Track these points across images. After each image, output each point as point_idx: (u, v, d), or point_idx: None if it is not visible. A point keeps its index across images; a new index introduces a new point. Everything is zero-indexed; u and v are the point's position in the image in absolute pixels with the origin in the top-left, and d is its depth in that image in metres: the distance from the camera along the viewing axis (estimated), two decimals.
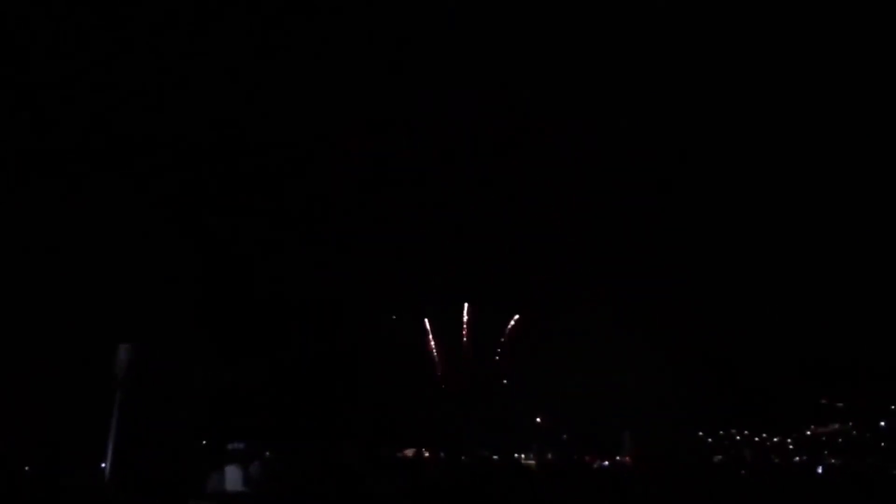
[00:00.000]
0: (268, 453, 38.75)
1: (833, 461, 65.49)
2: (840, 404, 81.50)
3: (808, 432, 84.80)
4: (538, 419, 72.51)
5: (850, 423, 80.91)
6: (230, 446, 36.56)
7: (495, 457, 55.87)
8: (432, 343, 75.43)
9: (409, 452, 50.69)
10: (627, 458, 72.57)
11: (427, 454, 50.96)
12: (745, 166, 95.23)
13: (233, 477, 22.58)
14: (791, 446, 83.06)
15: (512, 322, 75.17)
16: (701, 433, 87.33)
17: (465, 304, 79.66)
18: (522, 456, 65.70)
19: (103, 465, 18.74)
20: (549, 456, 68.62)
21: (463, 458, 47.39)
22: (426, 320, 73.25)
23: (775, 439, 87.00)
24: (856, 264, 79.12)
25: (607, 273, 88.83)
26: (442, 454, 49.98)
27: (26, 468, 24.81)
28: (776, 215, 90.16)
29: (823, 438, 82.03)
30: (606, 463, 68.11)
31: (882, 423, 74.00)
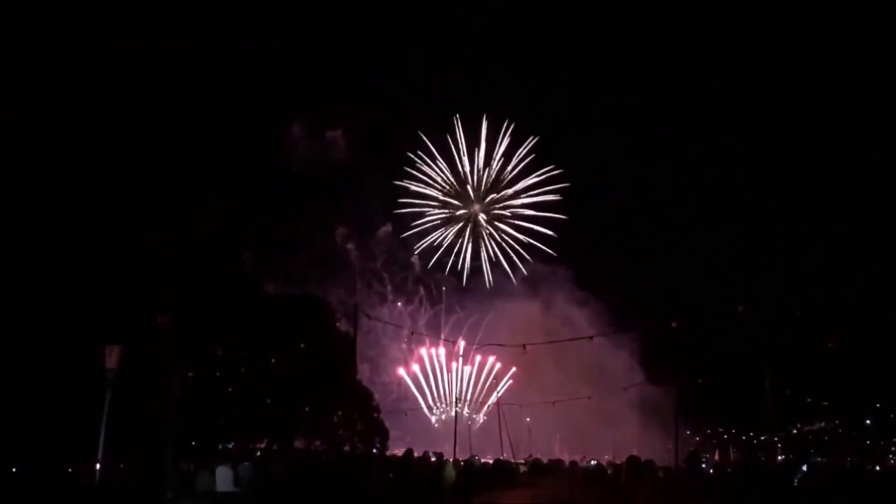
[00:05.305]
0: (258, 453, 38.61)
1: (819, 459, 65.72)
2: (826, 403, 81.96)
3: (795, 431, 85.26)
4: (527, 419, 72.60)
5: (837, 422, 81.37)
6: (220, 446, 36.43)
7: (489, 459, 55.71)
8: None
9: (399, 452, 50.51)
10: (615, 459, 72.57)
11: (417, 454, 50.76)
12: (739, 163, 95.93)
13: (223, 477, 22.41)
14: (779, 445, 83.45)
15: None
16: (688, 431, 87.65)
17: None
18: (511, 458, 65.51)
19: (97, 465, 18.58)
20: (539, 456, 68.51)
21: (453, 459, 47.22)
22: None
23: (762, 437, 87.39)
24: (844, 258, 79.65)
25: (596, 266, 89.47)
26: (432, 454, 49.76)
27: (13, 469, 24.49)
28: (765, 212, 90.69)
29: (810, 437, 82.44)
30: (594, 462, 68.10)
31: (868, 422, 74.45)
